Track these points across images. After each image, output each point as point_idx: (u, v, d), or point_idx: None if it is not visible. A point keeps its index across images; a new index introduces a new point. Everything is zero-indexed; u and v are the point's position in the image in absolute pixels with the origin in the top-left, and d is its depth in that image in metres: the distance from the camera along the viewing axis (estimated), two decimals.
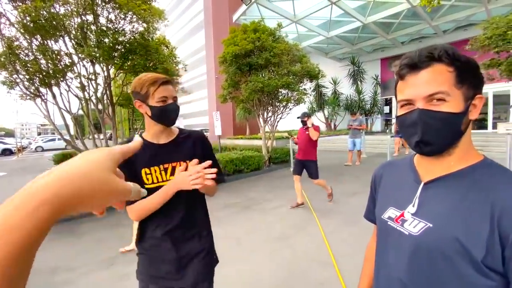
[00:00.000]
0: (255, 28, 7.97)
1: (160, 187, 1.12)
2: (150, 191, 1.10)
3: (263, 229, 3.76)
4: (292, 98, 8.22)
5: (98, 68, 4.59)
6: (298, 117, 4.63)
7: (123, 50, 4.51)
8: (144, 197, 1.08)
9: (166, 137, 1.19)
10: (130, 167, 1.11)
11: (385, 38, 14.61)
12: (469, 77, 0.58)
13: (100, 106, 4.69)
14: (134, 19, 4.28)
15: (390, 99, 17.20)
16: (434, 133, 0.59)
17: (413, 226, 0.64)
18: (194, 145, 1.23)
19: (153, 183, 1.13)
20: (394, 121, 11.19)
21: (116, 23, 4.31)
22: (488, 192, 0.55)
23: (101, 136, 5.43)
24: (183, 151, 1.20)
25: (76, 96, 4.70)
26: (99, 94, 4.58)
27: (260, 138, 15.21)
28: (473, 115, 0.60)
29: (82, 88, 4.46)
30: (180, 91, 7.27)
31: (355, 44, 16.08)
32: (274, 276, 2.61)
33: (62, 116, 4.51)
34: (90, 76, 4.35)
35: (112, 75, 4.88)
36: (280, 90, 8.18)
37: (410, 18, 12.73)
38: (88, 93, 4.52)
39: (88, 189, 0.28)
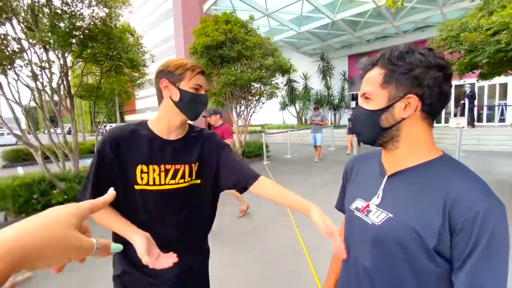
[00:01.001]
0: (226, 19, 7.80)
1: (154, 191, 0.93)
2: (142, 194, 0.93)
3: (237, 223, 3.77)
4: (265, 92, 8.25)
5: (52, 55, 4.16)
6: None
7: (81, 36, 4.13)
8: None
9: (178, 133, 1.00)
10: (122, 161, 0.92)
11: (353, 36, 15.20)
12: (400, 78, 0.62)
13: (56, 98, 4.26)
14: (94, 3, 3.91)
15: (357, 94, 18.06)
16: (357, 124, 0.73)
17: (376, 216, 0.68)
18: (203, 146, 1.04)
19: (147, 184, 0.92)
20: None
21: (73, 7, 3.92)
22: (442, 186, 0.60)
23: (58, 131, 4.98)
24: (191, 152, 1.01)
25: (27, 86, 4.23)
26: (54, 84, 4.15)
27: (233, 132, 15.15)
28: (406, 113, 0.63)
29: (34, 77, 4.01)
30: (148, 83, 6.83)
31: (325, 41, 16.52)
32: (248, 268, 2.63)
33: (11, 108, 4.04)
34: (43, 64, 3.92)
35: (69, 64, 4.45)
36: (252, 83, 8.16)
37: (375, 18, 13.37)
38: (42, 83, 4.08)
39: (46, 245, 0.28)
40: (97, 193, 0.88)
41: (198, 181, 1.02)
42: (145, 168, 0.92)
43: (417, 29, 14.47)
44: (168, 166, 0.95)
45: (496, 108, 11.96)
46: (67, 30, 3.67)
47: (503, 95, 12.52)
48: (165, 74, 0.94)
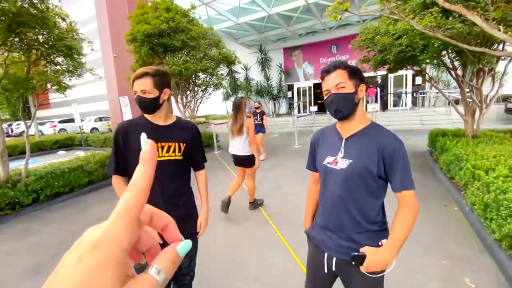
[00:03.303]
0: (167, 7, 7.56)
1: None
2: None
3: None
4: (211, 83, 8.37)
5: None
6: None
7: (8, 21, 3.57)
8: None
9: (163, 121, 1.44)
10: (135, 140, 1.35)
11: (287, 30, 16.28)
12: (355, 75, 1.12)
13: None
14: None
15: (292, 85, 19.55)
16: (341, 104, 1.12)
17: (342, 163, 1.16)
18: (186, 133, 1.49)
19: None
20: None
21: None
22: (376, 139, 1.12)
23: None
24: (180, 135, 1.45)
25: None
26: None
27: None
28: (361, 95, 1.14)
29: None
30: (90, 73, 5.96)
31: (262, 33, 17.22)
32: (225, 238, 3.00)
33: None
34: None
35: None
36: (198, 74, 8.18)
37: (305, 14, 14.61)
38: None
39: None
40: (119, 167, 1.40)
41: (180, 157, 1.45)
42: None
43: (340, 26, 16.41)
44: (163, 144, 1.39)
45: (403, 95, 14.77)
46: None
47: (403, 84, 15.50)
48: None
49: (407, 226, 1.08)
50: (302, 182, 4.82)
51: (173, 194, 1.44)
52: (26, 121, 4.60)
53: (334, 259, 1.20)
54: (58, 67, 4.86)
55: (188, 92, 8.64)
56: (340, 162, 1.17)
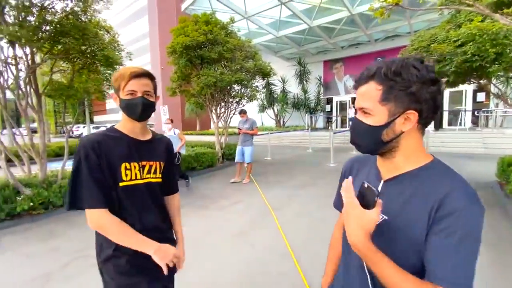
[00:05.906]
0: (207, 20, 7.72)
1: (135, 185, 1.09)
2: (126, 189, 1.07)
3: (222, 227, 3.71)
4: (245, 94, 8.25)
5: (19, 51, 3.80)
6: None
7: (52, 31, 3.84)
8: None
9: (142, 134, 1.17)
10: (109, 160, 1.04)
11: (328, 42, 15.78)
12: (399, 94, 0.63)
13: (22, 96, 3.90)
14: None
15: (331, 98, 18.75)
16: (358, 137, 0.74)
17: None
18: (164, 149, 1.25)
19: (130, 180, 1.08)
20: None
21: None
22: (431, 191, 0.64)
23: (24, 132, 4.58)
24: (160, 152, 1.21)
25: None
26: (20, 82, 3.79)
27: (212, 134, 14.94)
28: (405, 127, 0.66)
29: None
30: None
31: (302, 46, 16.96)
32: (237, 272, 2.60)
33: None
34: (9, 60, 3.56)
35: (38, 60, 4.11)
36: (233, 86, 8.13)
37: (349, 25, 14.00)
38: (6, 81, 3.71)
39: None
40: (103, 197, 1.02)
41: (160, 179, 1.19)
42: (128, 165, 1.07)
43: (387, 38, 15.38)
44: (144, 163, 1.12)
45: (462, 113, 13.07)
46: (37, 24, 3.39)
47: (462, 101, 13.72)
48: (112, 87, 1.11)
49: None
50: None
51: (156, 226, 1.16)
52: (67, 125, 4.88)
53: None
54: (100, 76, 5.12)
55: (223, 103, 8.63)
56: None
